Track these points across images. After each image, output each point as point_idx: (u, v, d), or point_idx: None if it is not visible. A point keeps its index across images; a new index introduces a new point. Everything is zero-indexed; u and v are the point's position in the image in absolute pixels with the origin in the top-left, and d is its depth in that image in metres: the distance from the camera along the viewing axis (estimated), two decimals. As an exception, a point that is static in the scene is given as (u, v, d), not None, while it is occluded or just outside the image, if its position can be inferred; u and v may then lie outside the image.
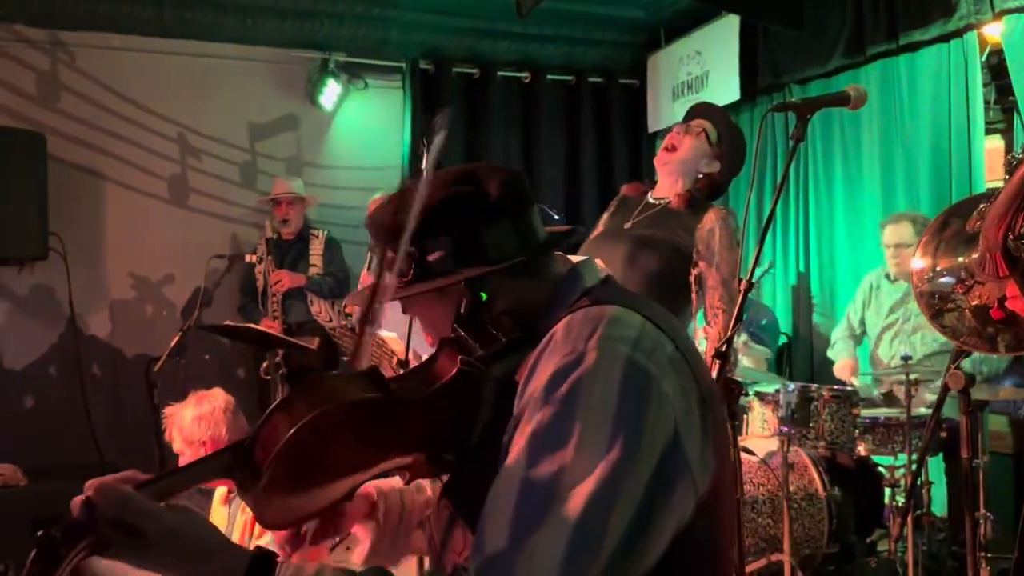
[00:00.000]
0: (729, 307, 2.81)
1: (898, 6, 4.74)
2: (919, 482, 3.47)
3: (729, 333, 2.32)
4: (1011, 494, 4.14)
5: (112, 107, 5.80)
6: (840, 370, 4.51)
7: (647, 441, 1.06)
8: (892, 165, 4.99)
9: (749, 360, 4.75)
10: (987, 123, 4.67)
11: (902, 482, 3.72)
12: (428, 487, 1.45)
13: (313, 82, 6.15)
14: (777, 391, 3.88)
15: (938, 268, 2.13)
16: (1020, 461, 4.30)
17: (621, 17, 6.45)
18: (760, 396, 4.02)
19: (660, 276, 2.88)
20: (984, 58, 4.54)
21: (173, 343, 4.26)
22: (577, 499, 1.02)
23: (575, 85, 6.69)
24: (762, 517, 3.65)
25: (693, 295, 2.91)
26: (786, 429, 3.70)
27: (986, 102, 4.64)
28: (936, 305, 2.13)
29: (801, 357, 5.60)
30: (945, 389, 2.61)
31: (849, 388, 4.02)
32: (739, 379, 2.46)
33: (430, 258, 1.22)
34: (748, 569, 3.45)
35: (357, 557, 1.40)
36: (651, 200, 3.09)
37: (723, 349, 2.29)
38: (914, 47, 4.78)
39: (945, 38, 4.60)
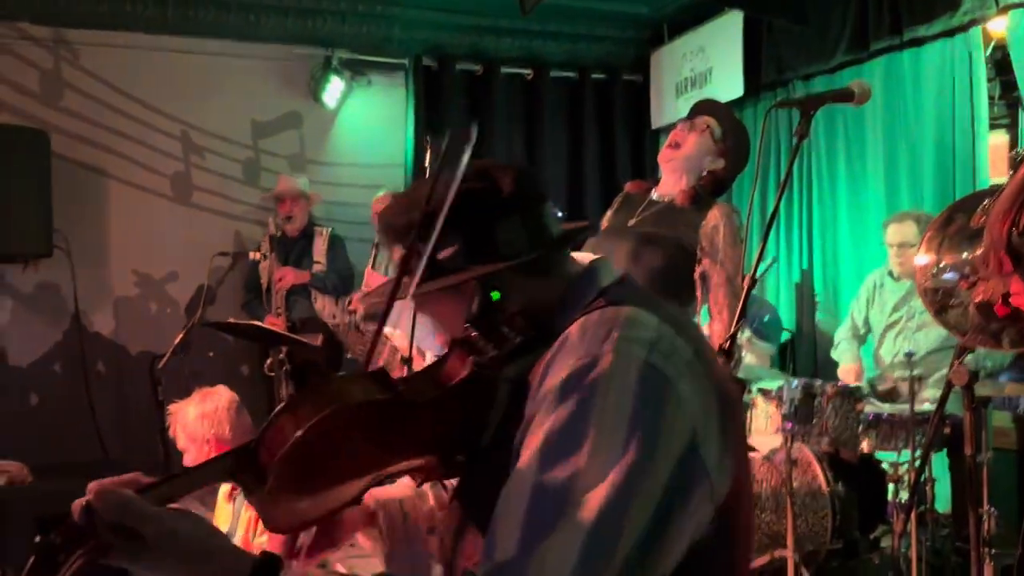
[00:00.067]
0: (733, 304, 2.81)
1: (902, 1, 4.73)
2: (923, 478, 3.46)
3: (733, 330, 2.32)
4: (1015, 490, 4.13)
5: (116, 105, 5.80)
6: (845, 375, 4.50)
7: (663, 445, 1.04)
8: (896, 161, 4.98)
9: (753, 356, 4.74)
10: (991, 119, 4.65)
11: (906, 478, 3.72)
12: (431, 495, 1.43)
13: (316, 79, 6.14)
14: (780, 388, 3.88)
15: (942, 264, 2.13)
16: (1024, 457, 4.30)
17: (624, 13, 6.44)
18: (763, 393, 4.02)
19: (664, 273, 2.88)
20: (988, 53, 4.53)
21: (177, 340, 4.27)
22: (591, 504, 1.00)
23: (578, 81, 6.69)
24: (765, 513, 3.65)
25: (697, 292, 2.91)
26: (789, 425, 3.70)
27: (990, 97, 4.63)
28: (940, 301, 2.13)
29: (804, 354, 5.59)
30: (949, 385, 2.61)
31: (853, 385, 4.02)
32: (742, 376, 2.46)
33: (442, 255, 1.19)
34: (751, 566, 3.45)
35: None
36: (655, 197, 3.09)
37: (727, 346, 2.29)
38: (918, 42, 4.76)
39: (949, 33, 4.58)
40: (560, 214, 1.30)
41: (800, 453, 3.82)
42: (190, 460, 2.98)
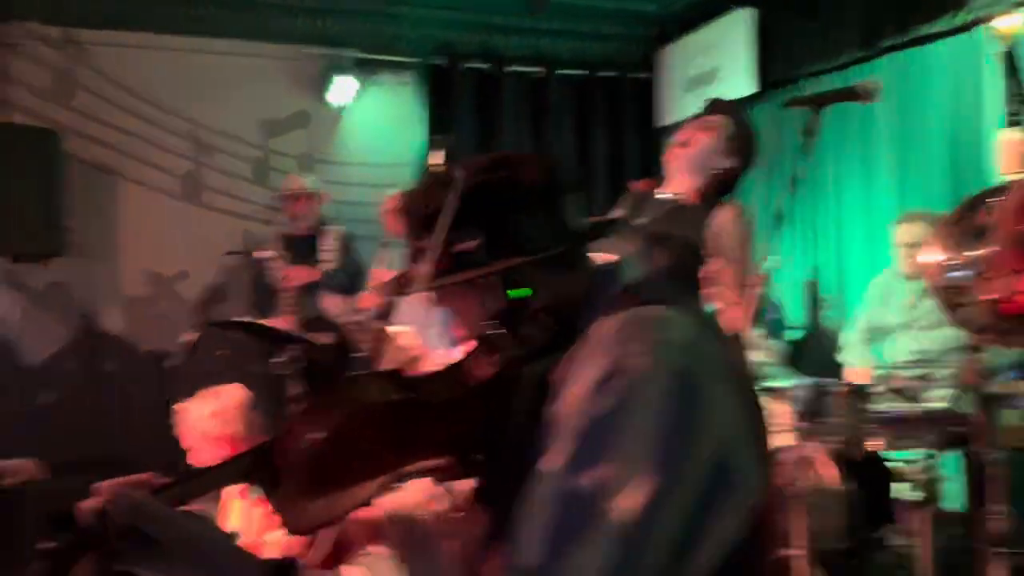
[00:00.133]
0: (743, 304, 2.80)
1: (911, -1, 4.72)
2: (934, 477, 3.45)
3: (745, 328, 2.31)
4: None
5: (126, 104, 5.82)
6: (853, 377, 4.47)
7: (695, 452, 1.00)
8: (905, 159, 4.96)
9: (764, 354, 4.72)
10: (1009, 116, 4.62)
11: (917, 477, 3.70)
12: (447, 496, 1.42)
13: (325, 79, 6.16)
14: (792, 386, 3.87)
15: (952, 262, 2.12)
16: (1036, 456, 4.27)
17: (632, 11, 6.44)
18: (772, 391, 4.00)
19: (672, 273, 2.87)
20: (998, 51, 4.50)
21: (187, 339, 4.28)
22: (619, 512, 0.96)
23: (586, 80, 6.68)
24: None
25: (705, 292, 2.90)
26: (800, 424, 3.69)
27: (1001, 95, 4.60)
28: (950, 299, 2.12)
29: (812, 352, 5.57)
30: (960, 384, 2.60)
31: (864, 383, 4.00)
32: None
33: (462, 248, 1.15)
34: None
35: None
36: (662, 196, 3.08)
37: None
38: (927, 40, 4.75)
39: (959, 31, 4.56)
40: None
41: (810, 451, 3.81)
42: (198, 459, 2.98)
